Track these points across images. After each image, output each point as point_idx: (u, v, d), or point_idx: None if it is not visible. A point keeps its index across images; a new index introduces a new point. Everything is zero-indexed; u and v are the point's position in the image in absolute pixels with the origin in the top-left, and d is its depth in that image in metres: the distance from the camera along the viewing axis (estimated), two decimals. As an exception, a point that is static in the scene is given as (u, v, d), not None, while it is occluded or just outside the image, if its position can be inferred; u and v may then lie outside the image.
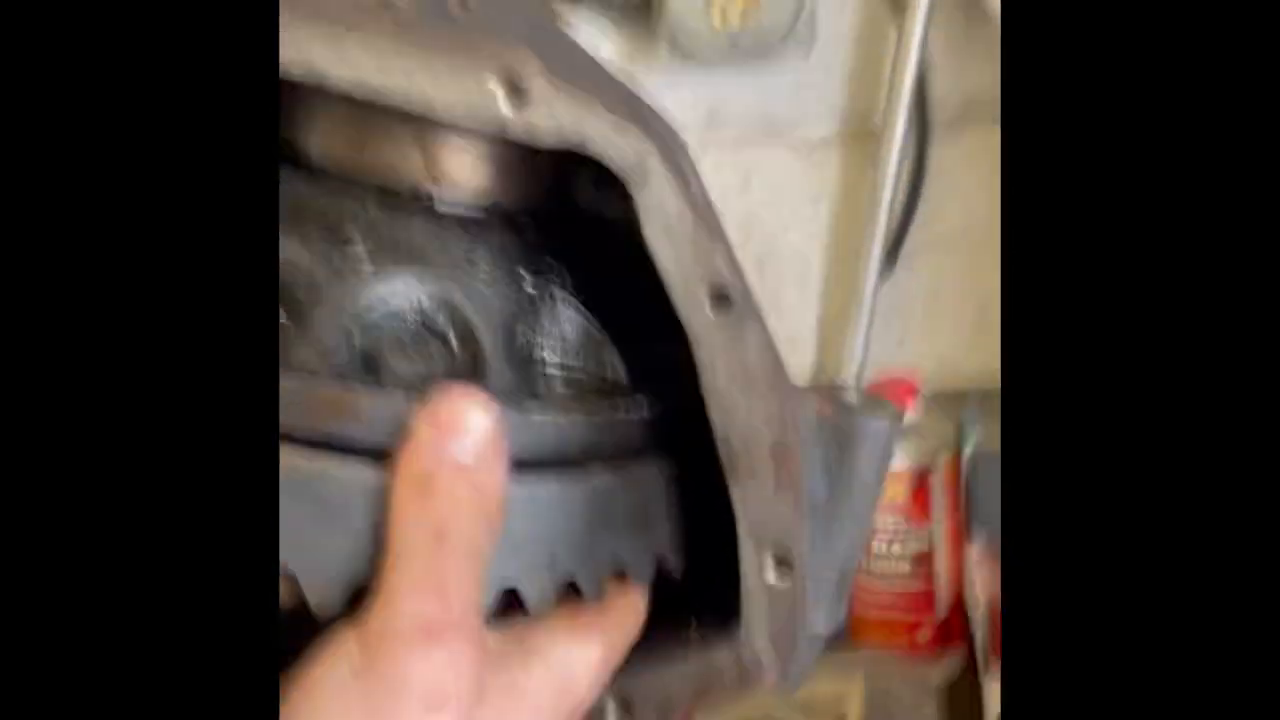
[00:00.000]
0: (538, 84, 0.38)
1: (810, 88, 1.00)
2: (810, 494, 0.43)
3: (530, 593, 0.41)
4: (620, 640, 0.44)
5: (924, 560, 0.94)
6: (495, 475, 0.37)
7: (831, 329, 1.04)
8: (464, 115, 0.39)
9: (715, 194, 0.43)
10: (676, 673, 0.46)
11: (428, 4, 0.39)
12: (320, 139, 0.45)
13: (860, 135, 1.01)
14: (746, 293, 0.41)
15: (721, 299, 0.41)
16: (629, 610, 0.44)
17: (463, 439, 0.36)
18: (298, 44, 0.38)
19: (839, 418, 0.44)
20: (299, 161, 0.45)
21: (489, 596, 0.40)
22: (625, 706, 0.47)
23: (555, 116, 0.39)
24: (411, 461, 0.36)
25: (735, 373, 0.41)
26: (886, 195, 0.97)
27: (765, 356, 0.41)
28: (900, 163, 0.97)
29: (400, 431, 0.37)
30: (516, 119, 0.39)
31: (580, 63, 0.41)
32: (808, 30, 0.95)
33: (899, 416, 0.45)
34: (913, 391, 0.93)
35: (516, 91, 0.38)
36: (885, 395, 0.82)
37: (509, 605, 0.41)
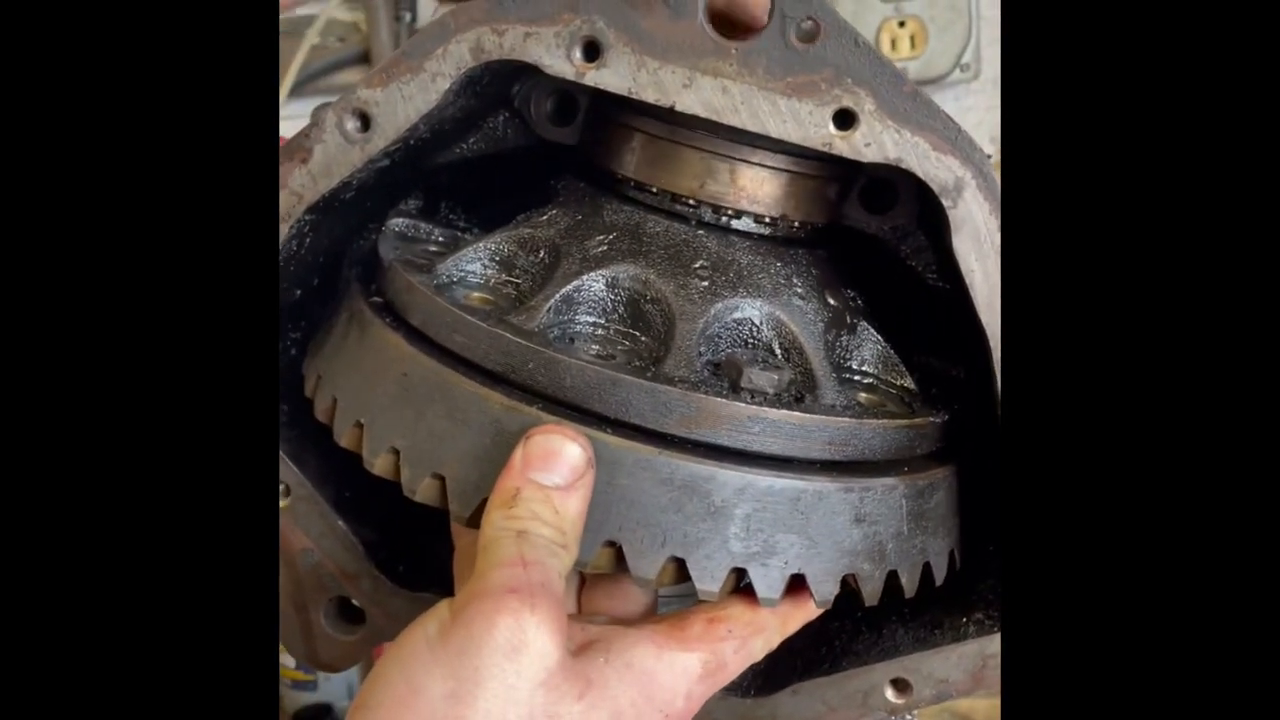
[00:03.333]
0: (869, 119, 0.44)
1: (970, 114, 1.04)
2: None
3: (864, 585, 0.45)
4: (733, 654, 0.44)
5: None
6: (569, 494, 0.42)
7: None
8: (797, 140, 0.44)
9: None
10: (954, 656, 0.50)
11: (770, 37, 0.44)
12: (638, 166, 0.50)
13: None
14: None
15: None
16: (746, 624, 0.44)
17: (546, 465, 0.41)
18: (659, 81, 0.44)
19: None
20: (621, 190, 0.51)
21: (829, 589, 0.44)
22: (900, 686, 0.51)
23: (882, 146, 0.44)
24: (504, 479, 0.42)
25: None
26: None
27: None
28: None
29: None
30: (844, 144, 0.44)
31: (909, 97, 0.45)
32: (974, 61, 0.99)
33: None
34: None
35: (849, 124, 0.44)
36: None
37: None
